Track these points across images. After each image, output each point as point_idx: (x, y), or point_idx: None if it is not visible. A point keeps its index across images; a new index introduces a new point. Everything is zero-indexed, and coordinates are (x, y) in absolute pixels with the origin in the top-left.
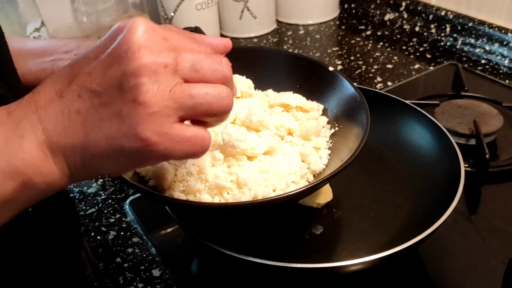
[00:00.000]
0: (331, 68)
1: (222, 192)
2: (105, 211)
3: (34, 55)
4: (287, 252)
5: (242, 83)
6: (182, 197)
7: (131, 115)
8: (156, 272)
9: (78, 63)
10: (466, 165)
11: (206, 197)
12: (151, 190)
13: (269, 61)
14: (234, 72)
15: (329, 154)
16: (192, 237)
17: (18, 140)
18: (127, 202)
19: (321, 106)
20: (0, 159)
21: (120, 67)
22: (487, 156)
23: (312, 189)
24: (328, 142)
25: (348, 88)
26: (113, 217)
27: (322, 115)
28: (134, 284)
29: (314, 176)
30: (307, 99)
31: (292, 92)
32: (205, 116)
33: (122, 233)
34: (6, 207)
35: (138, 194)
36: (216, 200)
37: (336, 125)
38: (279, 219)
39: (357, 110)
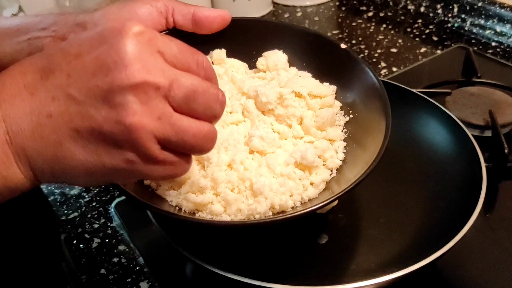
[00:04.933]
0: (343, 46)
1: (235, 203)
2: (89, 215)
3: (8, 34)
4: (287, 267)
5: (238, 68)
6: (190, 207)
7: (114, 134)
8: (144, 285)
9: (56, 56)
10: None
11: (217, 208)
12: (166, 211)
13: (271, 35)
14: (231, 49)
15: (345, 147)
16: (180, 253)
17: None
18: (113, 205)
19: (334, 88)
20: None
21: (107, 78)
22: (506, 150)
23: (334, 200)
24: (343, 132)
25: (364, 71)
26: (98, 222)
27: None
28: None
29: (331, 172)
30: (316, 78)
31: (306, 72)
32: (184, 151)
33: (107, 240)
34: None
35: (124, 197)
36: (231, 211)
37: (350, 111)
38: (278, 227)
39: (374, 98)
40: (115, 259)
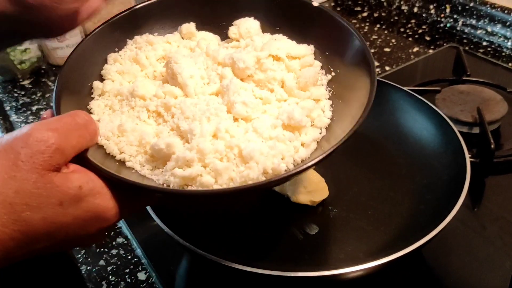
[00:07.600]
0: (315, 3)
1: (226, 172)
2: None
3: None
4: (280, 256)
5: (210, 40)
6: (178, 182)
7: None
8: (141, 276)
9: None
10: (469, 156)
11: (207, 180)
12: (156, 186)
13: (239, 3)
14: (200, 22)
15: (331, 105)
16: (177, 242)
17: None
18: None
19: (312, 48)
20: None
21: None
22: (492, 146)
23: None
24: (327, 90)
25: (341, 27)
26: None
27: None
28: None
29: (320, 131)
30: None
31: (281, 35)
32: None
33: (105, 233)
34: None
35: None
36: (222, 181)
37: (331, 70)
38: (270, 218)
39: (355, 51)
40: (114, 251)
